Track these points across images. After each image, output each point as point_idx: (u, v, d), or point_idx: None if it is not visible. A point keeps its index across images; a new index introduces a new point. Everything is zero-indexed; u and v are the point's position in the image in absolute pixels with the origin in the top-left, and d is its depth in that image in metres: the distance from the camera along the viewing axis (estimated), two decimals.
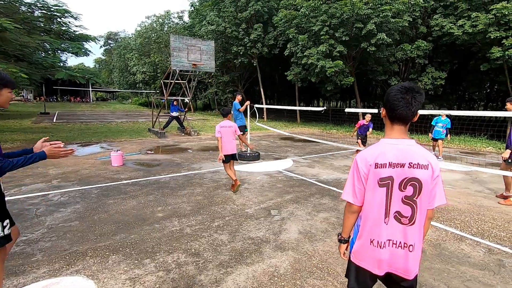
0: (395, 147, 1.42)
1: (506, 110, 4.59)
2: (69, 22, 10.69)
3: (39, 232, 3.35)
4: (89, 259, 2.79)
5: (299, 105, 25.33)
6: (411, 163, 1.38)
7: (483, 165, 7.36)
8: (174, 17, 31.98)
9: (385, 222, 1.42)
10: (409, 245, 1.40)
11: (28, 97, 40.41)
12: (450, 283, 2.51)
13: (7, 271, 2.57)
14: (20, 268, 2.63)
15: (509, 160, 4.36)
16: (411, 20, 14.25)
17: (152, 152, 8.69)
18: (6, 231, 1.85)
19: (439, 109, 14.26)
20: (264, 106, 11.47)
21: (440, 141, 8.01)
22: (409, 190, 1.39)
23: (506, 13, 11.76)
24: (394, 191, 1.40)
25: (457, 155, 8.95)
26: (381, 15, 13.16)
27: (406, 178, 1.38)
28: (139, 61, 31.59)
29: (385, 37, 13.40)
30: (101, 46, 70.11)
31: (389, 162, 1.39)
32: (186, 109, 14.01)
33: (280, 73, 29.08)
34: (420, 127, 15.55)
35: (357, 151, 7.76)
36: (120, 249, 2.99)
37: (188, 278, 2.52)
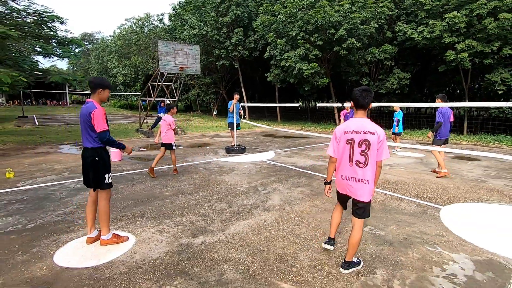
0: (357, 121, 2.44)
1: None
2: (55, 26, 11.17)
3: (71, 208, 4.11)
4: (120, 221, 3.62)
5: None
6: (365, 131, 2.38)
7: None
8: (154, 20, 32.22)
9: (349, 165, 2.44)
10: (364, 180, 2.39)
11: (0, 101, 38.93)
12: (387, 223, 3.58)
13: (63, 230, 3.35)
14: (68, 229, 3.41)
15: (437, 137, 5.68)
16: (377, 26, 15.74)
17: (145, 149, 9.38)
18: (111, 180, 3.00)
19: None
20: (252, 104, 12.38)
21: (393, 135, 8.81)
22: (363, 147, 2.37)
23: (457, 21, 13.44)
24: (355, 147, 2.40)
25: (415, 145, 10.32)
26: (350, 22, 14.52)
27: (361, 139, 2.38)
28: (119, 63, 31.53)
29: (355, 42, 14.77)
30: (75, 47, 68.09)
31: (352, 130, 2.42)
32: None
33: (261, 74, 30.18)
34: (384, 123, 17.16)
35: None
36: (143, 215, 3.83)
37: (200, 228, 3.42)
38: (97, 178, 2.89)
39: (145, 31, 30.71)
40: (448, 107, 5.80)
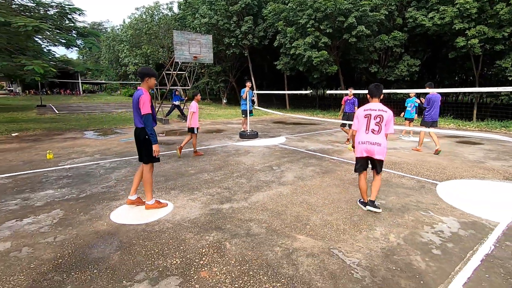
0: (373, 104, 3.32)
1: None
2: (74, 18, 11.71)
3: (111, 182, 4.74)
4: (157, 193, 4.22)
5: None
6: (379, 109, 3.25)
7: (440, 137, 9.07)
8: (163, 9, 32.43)
9: (366, 133, 3.31)
10: (377, 143, 3.28)
11: (17, 91, 40.18)
12: (388, 194, 4.10)
13: (111, 198, 3.98)
14: (115, 197, 4.03)
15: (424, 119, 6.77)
16: (387, 13, 15.75)
17: (164, 134, 10.01)
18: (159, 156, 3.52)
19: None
20: (263, 92, 12.78)
21: (408, 121, 8.99)
22: (378, 119, 3.24)
23: (468, 7, 13.40)
24: (371, 120, 3.27)
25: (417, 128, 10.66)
26: (360, 9, 14.61)
27: (376, 114, 3.26)
28: (130, 53, 32.07)
29: (365, 29, 14.89)
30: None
31: (370, 108, 3.31)
32: (186, 98, 15.23)
33: (269, 63, 30.34)
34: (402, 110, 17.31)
35: (348, 140, 8.26)
36: (175, 188, 4.43)
37: (226, 198, 4.00)
38: (147, 153, 3.46)
39: (155, 20, 30.99)
40: (438, 93, 6.43)
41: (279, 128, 11.63)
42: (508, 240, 2.85)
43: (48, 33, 9.37)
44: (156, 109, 14.81)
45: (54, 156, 6.61)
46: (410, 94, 9.10)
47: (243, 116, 9.54)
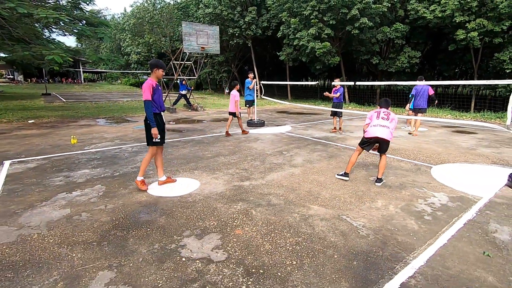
0: (383, 109, 4.04)
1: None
2: (84, 8, 11.96)
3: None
4: (182, 172, 4.74)
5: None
6: (387, 112, 3.95)
7: (437, 127, 9.59)
8: None
9: (377, 118, 4.01)
10: (386, 126, 3.97)
11: (19, 79, 40.23)
12: (387, 175, 4.63)
13: (146, 176, 4.49)
14: (146, 175, 4.54)
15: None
16: (389, 5, 16.00)
17: (174, 122, 10.47)
18: (158, 140, 3.85)
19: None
20: (268, 82, 13.09)
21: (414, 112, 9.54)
22: (385, 114, 4.06)
23: (469, 0, 13.71)
24: (381, 113, 4.05)
25: (423, 121, 11.17)
26: (363, 2, 14.88)
27: (385, 111, 4.07)
28: (133, 42, 32.12)
29: (367, 21, 15.19)
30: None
31: (379, 111, 4.05)
32: (192, 88, 15.60)
33: (271, 53, 30.49)
34: (405, 101, 17.84)
35: (335, 128, 8.76)
36: (197, 168, 4.95)
37: (245, 177, 4.52)
38: (148, 136, 3.82)
39: (157, 8, 30.93)
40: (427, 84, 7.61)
41: (283, 118, 12.10)
42: (488, 210, 3.39)
43: (62, 24, 9.70)
44: (164, 98, 15.22)
45: (78, 141, 7.09)
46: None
47: (247, 106, 9.96)
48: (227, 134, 7.92)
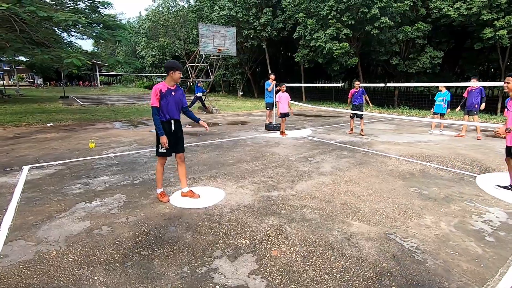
0: None
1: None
2: (101, 11, 12.01)
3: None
4: (205, 180, 4.47)
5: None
6: None
7: (468, 130, 9.01)
8: (180, 0, 32.54)
9: None
10: None
11: (38, 82, 41.41)
12: (429, 185, 4.21)
13: (164, 185, 4.24)
14: (167, 183, 4.30)
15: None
16: (411, 4, 15.39)
17: (190, 126, 10.29)
18: (164, 150, 3.53)
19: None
20: (289, 84, 12.60)
21: (439, 115, 8.75)
22: None
23: None
24: None
25: (449, 124, 10.58)
26: (384, 0, 14.35)
27: None
28: (147, 45, 32.48)
29: (388, 21, 14.65)
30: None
31: None
32: (208, 90, 15.45)
33: (284, 55, 30.17)
34: (425, 103, 17.16)
35: (351, 129, 8.75)
36: (220, 176, 4.67)
37: (272, 186, 4.21)
38: (156, 144, 3.56)
39: (171, 11, 31.19)
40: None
41: (302, 121, 11.73)
42: None
43: (80, 27, 9.70)
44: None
45: (96, 145, 6.97)
46: (440, 88, 8.91)
47: (268, 108, 9.67)
48: (283, 134, 8.24)
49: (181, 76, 3.54)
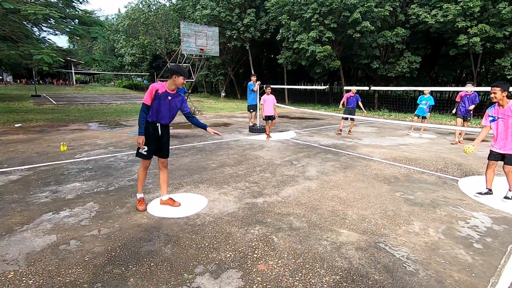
0: None
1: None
2: (76, 6, 11.38)
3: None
4: (186, 186, 4.23)
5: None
6: None
7: (446, 133, 9.27)
8: None
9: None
10: None
11: (8, 79, 39.04)
12: (414, 190, 4.20)
13: (144, 191, 3.96)
14: (145, 190, 4.02)
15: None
16: (391, 9, 15.79)
17: (172, 127, 9.93)
18: (144, 152, 3.28)
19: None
20: (273, 86, 12.45)
21: (420, 118, 8.88)
22: None
23: (471, 5, 13.55)
24: None
25: (428, 128, 10.86)
26: (365, 5, 14.62)
27: None
28: (127, 43, 31.41)
29: (369, 25, 14.93)
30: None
31: None
32: (190, 91, 15.09)
33: (267, 56, 30.19)
34: (404, 106, 17.60)
35: (340, 130, 9.16)
36: (202, 181, 4.44)
37: (257, 192, 4.04)
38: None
39: (152, 9, 30.37)
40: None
41: (285, 123, 11.67)
42: None
43: (52, 21, 9.12)
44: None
45: (68, 148, 6.52)
46: (424, 92, 9.05)
47: (251, 111, 9.49)
48: (268, 136, 8.08)
49: (184, 82, 3.31)
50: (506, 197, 3.82)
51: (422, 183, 4.55)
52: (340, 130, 9.23)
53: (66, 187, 4.11)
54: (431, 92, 9.47)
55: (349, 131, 9.19)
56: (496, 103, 3.78)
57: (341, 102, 9.18)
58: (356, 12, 14.70)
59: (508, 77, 14.26)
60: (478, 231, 3.05)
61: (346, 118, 9.02)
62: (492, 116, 3.84)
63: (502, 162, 3.84)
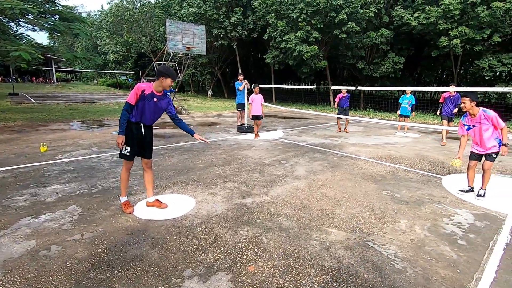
0: None
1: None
2: (57, 2, 10.96)
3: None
4: (173, 187, 4.15)
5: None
6: None
7: (429, 133, 9.53)
8: None
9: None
10: None
11: None
12: (400, 188, 4.28)
13: (127, 191, 3.85)
14: (131, 192, 3.91)
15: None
16: (376, 11, 16.08)
17: (157, 127, 9.74)
18: (127, 153, 3.19)
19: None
20: (262, 86, 12.43)
21: (403, 117, 9.02)
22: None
23: (452, 8, 13.99)
24: None
25: (411, 127, 11.13)
26: (351, 6, 14.83)
27: None
28: (110, 41, 30.60)
29: (354, 26, 15.15)
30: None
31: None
32: (176, 90, 14.85)
33: (255, 55, 30.15)
34: (388, 106, 17.94)
35: (339, 128, 9.69)
36: (190, 182, 4.36)
37: (245, 192, 4.00)
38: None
39: (136, 6, 29.70)
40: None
41: (273, 122, 11.68)
42: None
43: (30, 16, 8.75)
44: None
45: (48, 148, 6.27)
46: (406, 91, 9.24)
47: (239, 109, 9.44)
48: (256, 136, 8.04)
49: (172, 84, 3.20)
50: (478, 195, 3.93)
51: (408, 181, 4.64)
52: (339, 129, 9.69)
53: (47, 189, 3.94)
54: (413, 92, 9.75)
55: (345, 128, 9.64)
56: (467, 113, 3.93)
57: (336, 103, 9.59)
58: (342, 13, 14.89)
59: (486, 78, 14.85)
60: (462, 227, 3.13)
61: (340, 118, 9.45)
62: (467, 125, 3.99)
63: (482, 161, 3.97)
